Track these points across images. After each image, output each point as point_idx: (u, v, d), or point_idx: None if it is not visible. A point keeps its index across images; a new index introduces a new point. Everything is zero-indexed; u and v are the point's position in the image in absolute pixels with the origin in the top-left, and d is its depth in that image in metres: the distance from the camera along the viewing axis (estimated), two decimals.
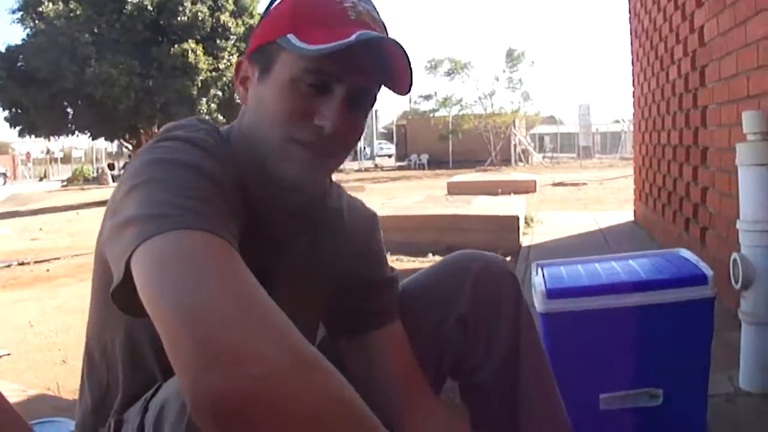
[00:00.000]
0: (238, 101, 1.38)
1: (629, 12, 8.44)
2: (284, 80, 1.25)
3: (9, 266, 8.35)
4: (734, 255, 2.80)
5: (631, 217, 8.65)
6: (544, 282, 2.25)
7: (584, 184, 18.46)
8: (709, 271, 2.23)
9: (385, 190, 19.64)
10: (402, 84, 1.30)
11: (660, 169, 6.50)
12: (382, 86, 1.34)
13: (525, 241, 7.44)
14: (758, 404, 2.76)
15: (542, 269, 2.42)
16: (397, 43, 1.22)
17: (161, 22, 21.74)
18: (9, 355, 4.39)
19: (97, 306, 1.43)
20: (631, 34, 8.39)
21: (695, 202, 4.96)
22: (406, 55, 1.24)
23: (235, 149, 1.34)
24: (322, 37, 1.20)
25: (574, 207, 12.21)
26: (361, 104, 1.31)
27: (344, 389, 0.92)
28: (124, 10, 21.01)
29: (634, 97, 8.33)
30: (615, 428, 2.29)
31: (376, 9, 1.34)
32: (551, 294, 2.18)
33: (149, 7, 21.07)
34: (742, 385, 2.88)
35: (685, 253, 2.49)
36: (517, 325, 1.62)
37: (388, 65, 1.28)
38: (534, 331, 1.67)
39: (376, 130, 35.84)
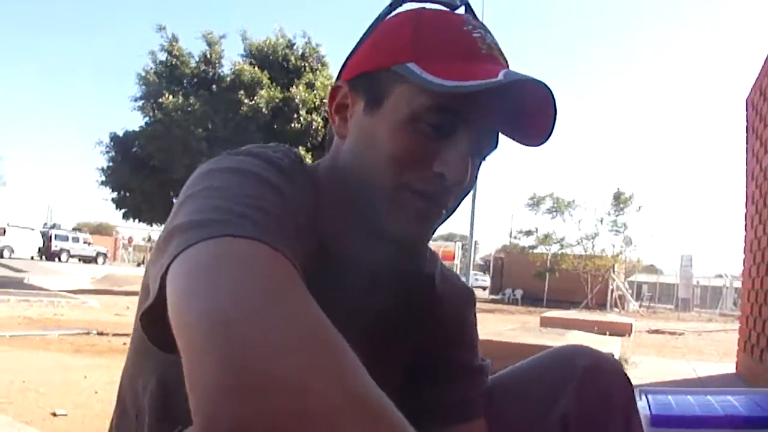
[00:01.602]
0: None
1: (746, 153, 8.18)
2: (402, 116, 1.04)
3: (88, 333, 8.92)
4: None
5: (733, 370, 8.15)
6: (649, 407, 1.97)
7: (682, 333, 17.78)
8: None
9: (478, 320, 19.27)
10: (538, 133, 1.09)
11: None
12: (515, 139, 1.12)
13: (641, 386, 6.96)
14: None
15: (646, 395, 2.13)
16: (546, 86, 1.00)
17: (275, 126, 22.19)
18: (66, 415, 4.39)
19: (134, 348, 1.23)
20: (747, 176, 8.11)
21: None
22: (553, 99, 1.02)
23: (322, 186, 1.14)
24: (454, 72, 1.00)
25: (671, 355, 11.64)
26: (483, 151, 1.11)
27: None
28: (240, 111, 21.66)
29: (745, 242, 7.99)
30: None
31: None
32: (656, 421, 1.89)
33: (264, 110, 21.65)
34: None
35: None
36: None
37: (523, 108, 1.06)
38: None
39: (473, 260, 35.68)
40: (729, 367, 8.49)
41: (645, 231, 39.04)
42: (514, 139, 1.12)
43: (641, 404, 2.01)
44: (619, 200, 35.43)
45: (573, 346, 1.42)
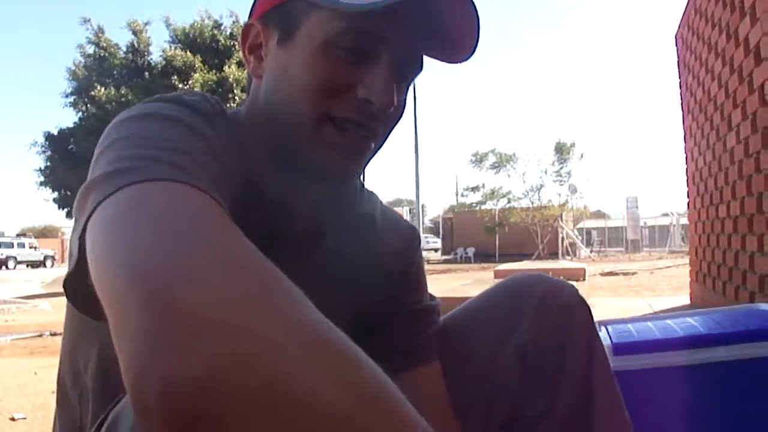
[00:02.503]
0: None
1: (680, 88, 8.28)
2: (317, 44, 0.98)
3: (41, 336, 8.88)
4: None
5: (687, 301, 8.27)
6: (609, 337, 1.97)
7: (634, 273, 18.02)
8: None
9: (432, 281, 19.04)
10: (462, 48, 1.02)
11: (719, 244, 6.20)
12: (439, 58, 1.06)
13: (601, 319, 7.02)
14: None
15: (606, 327, 2.13)
16: None
17: None
18: (25, 419, 4.32)
19: (68, 327, 1.16)
20: (682, 110, 8.20)
21: (762, 273, 4.63)
22: (475, 9, 0.97)
23: (244, 129, 1.08)
24: None
25: (626, 294, 11.77)
26: (407, 74, 1.05)
27: (379, 381, 0.61)
28: None
29: (687, 174, 8.10)
30: None
31: None
32: (618, 349, 1.90)
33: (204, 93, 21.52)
34: None
35: (766, 306, 2.19)
36: (590, 361, 1.27)
37: (445, 23, 1.00)
38: (609, 371, 1.32)
39: (423, 223, 35.81)
40: (683, 299, 8.60)
41: (589, 178, 39.40)
42: (436, 58, 1.06)
43: (602, 335, 2.01)
44: (562, 150, 35.63)
45: (527, 274, 1.37)
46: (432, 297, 1.39)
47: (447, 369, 1.31)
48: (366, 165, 1.10)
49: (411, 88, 1.10)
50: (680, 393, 1.90)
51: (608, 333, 2.02)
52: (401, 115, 1.08)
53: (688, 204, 8.38)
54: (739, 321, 2.03)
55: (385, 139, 1.09)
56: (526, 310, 1.28)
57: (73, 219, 0.82)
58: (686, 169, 8.16)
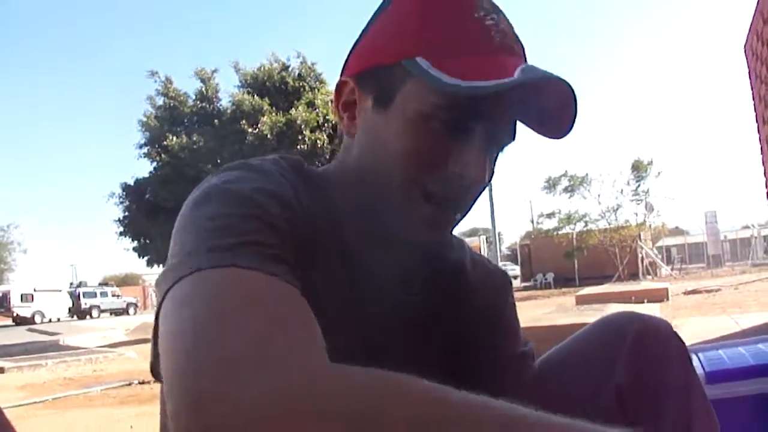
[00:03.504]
0: None
1: (753, 99, 8.11)
2: (413, 114, 1.00)
3: (130, 384, 9.06)
4: None
5: None
6: (702, 366, 1.94)
7: (718, 290, 17.66)
8: None
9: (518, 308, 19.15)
10: (558, 129, 1.05)
11: None
12: (531, 128, 1.08)
13: (691, 346, 6.90)
14: None
15: (698, 354, 2.10)
16: (566, 83, 0.97)
17: (281, 151, 22.05)
18: None
19: (161, 387, 1.21)
20: (757, 121, 8.03)
21: None
22: (574, 95, 0.98)
23: (333, 187, 1.11)
24: (466, 69, 0.96)
25: (711, 312, 11.55)
26: (501, 145, 1.07)
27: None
28: (246, 140, 21.55)
29: (766, 187, 7.90)
30: None
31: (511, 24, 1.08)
32: (711, 378, 1.87)
33: (269, 136, 21.53)
34: None
35: None
36: (688, 399, 1.26)
37: (544, 105, 1.02)
38: (708, 407, 1.31)
39: (500, 251, 35.58)
40: None
41: (666, 195, 38.77)
42: (534, 131, 1.08)
43: (696, 363, 1.99)
44: (638, 168, 35.17)
45: (621, 313, 1.36)
46: (526, 342, 1.38)
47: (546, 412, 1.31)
48: (452, 230, 1.12)
49: None
50: None
51: (700, 361, 2.00)
52: (491, 181, 1.10)
53: None
54: None
55: (472, 206, 1.10)
56: (623, 350, 1.27)
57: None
58: (766, 182, 7.98)
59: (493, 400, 0.70)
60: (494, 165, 1.09)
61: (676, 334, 1.31)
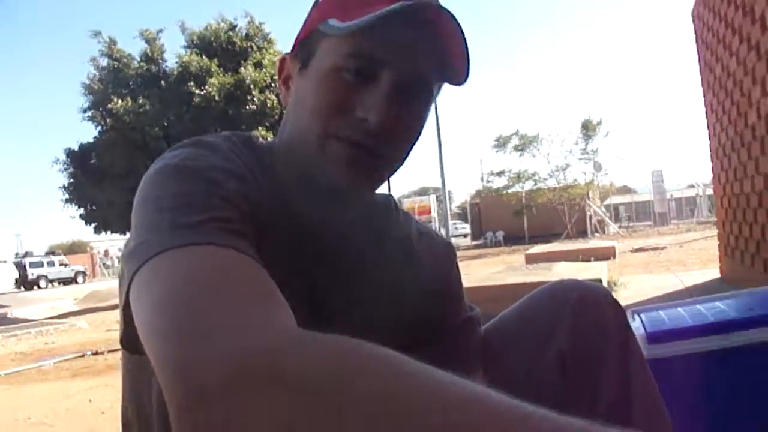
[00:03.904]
0: None
1: (699, 64, 8.27)
2: (325, 69, 1.07)
3: (83, 356, 8.92)
4: None
5: (718, 275, 8.30)
6: (644, 326, 2.03)
7: (664, 248, 17.98)
8: None
9: (463, 267, 19.05)
10: (457, 72, 1.09)
11: (746, 218, 6.22)
12: (442, 79, 1.13)
13: (632, 306, 7.06)
14: None
15: (639, 315, 2.20)
16: (449, 14, 1.02)
17: (230, 112, 21.67)
18: None
19: (127, 364, 1.26)
20: (703, 86, 8.19)
21: None
22: (462, 32, 1.03)
23: (279, 158, 1.17)
24: (363, 15, 1.01)
25: (657, 270, 11.78)
26: (415, 97, 1.11)
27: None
28: (193, 102, 21.20)
29: (710, 150, 8.10)
30: None
31: None
32: (652, 338, 1.96)
33: (217, 98, 21.23)
34: None
35: None
36: (627, 363, 1.33)
37: (444, 49, 1.06)
38: (647, 371, 1.40)
39: (450, 210, 35.73)
40: (714, 273, 8.65)
41: (614, 155, 39.16)
42: (438, 80, 1.13)
43: (635, 324, 2.06)
44: (588, 128, 35.43)
45: (562, 281, 1.42)
46: (471, 308, 1.44)
47: (491, 377, 1.36)
48: (380, 182, 1.17)
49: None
50: (714, 378, 1.97)
51: (641, 321, 2.08)
52: (416, 135, 1.15)
53: (712, 179, 8.38)
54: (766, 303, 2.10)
55: (403, 157, 1.15)
56: (564, 317, 1.33)
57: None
58: (709, 145, 8.16)
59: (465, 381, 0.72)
60: (418, 116, 1.14)
61: (614, 300, 1.38)
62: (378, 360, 0.69)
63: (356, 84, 1.06)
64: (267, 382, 0.65)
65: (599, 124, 35.21)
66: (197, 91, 21.13)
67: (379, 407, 0.63)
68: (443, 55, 1.07)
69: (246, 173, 1.06)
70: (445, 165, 21.06)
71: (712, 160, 8.12)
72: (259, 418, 0.63)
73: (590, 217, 35.09)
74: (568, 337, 1.33)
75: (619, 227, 38.21)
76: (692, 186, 45.26)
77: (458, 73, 1.09)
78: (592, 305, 1.35)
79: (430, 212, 37.11)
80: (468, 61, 1.07)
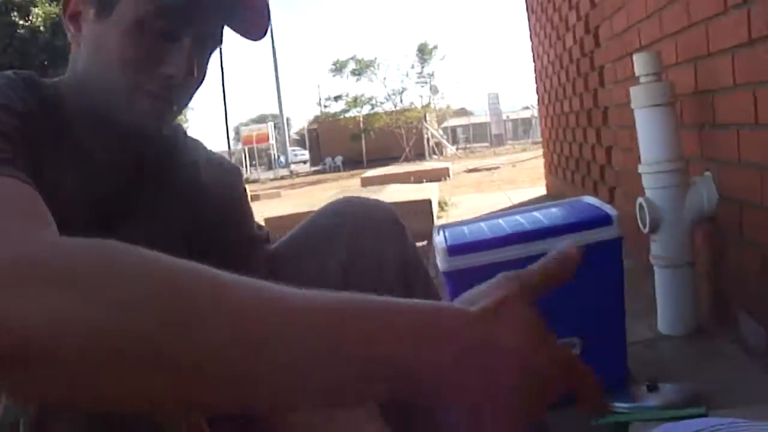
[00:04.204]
0: None
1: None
2: (130, 22, 1.11)
3: None
4: (639, 199, 2.75)
5: (544, 192, 8.68)
6: (446, 240, 2.16)
7: (497, 168, 18.58)
8: (613, 212, 2.20)
9: (302, 194, 19.26)
10: (257, 28, 1.20)
11: (566, 137, 6.54)
12: (242, 35, 1.22)
13: (439, 224, 7.29)
14: (678, 346, 2.73)
15: (444, 230, 2.33)
16: None
17: (56, 44, 20.89)
18: None
19: None
20: (527, 10, 8.44)
21: (601, 164, 4.97)
22: None
23: (66, 97, 1.21)
24: None
25: (488, 189, 12.21)
26: (208, 48, 1.20)
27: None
28: (17, 33, 20.27)
29: (535, 72, 8.38)
30: None
31: None
32: (452, 251, 2.09)
33: (42, 29, 20.34)
34: (661, 329, 2.84)
35: (589, 199, 2.44)
36: (405, 274, 1.47)
37: (244, 7, 1.17)
38: (429, 280, 1.54)
39: (289, 137, 35.59)
40: (541, 190, 9.02)
41: (451, 78, 39.77)
42: (241, 35, 1.22)
43: (439, 239, 2.19)
44: (424, 52, 35.81)
45: (344, 198, 1.56)
46: (260, 227, 1.53)
47: None
48: (170, 123, 1.28)
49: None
50: None
51: (445, 236, 2.21)
52: (204, 79, 1.24)
53: (538, 100, 8.71)
54: (561, 215, 2.27)
55: (189, 101, 1.25)
56: (343, 233, 1.45)
57: None
58: (534, 67, 8.45)
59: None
60: (206, 65, 1.23)
61: (394, 215, 1.51)
62: (147, 255, 0.70)
63: (161, 40, 1.12)
64: (37, 283, 0.64)
65: (435, 48, 35.72)
66: (21, 22, 20.16)
67: (151, 292, 0.65)
68: (244, 13, 1.17)
69: (22, 108, 1.09)
70: (282, 91, 21.09)
71: (536, 82, 8.42)
72: (34, 317, 0.62)
73: (428, 140, 35.70)
74: (349, 251, 1.44)
75: (457, 149, 39.10)
76: (527, 108, 46.56)
77: (258, 31, 1.20)
78: (372, 220, 1.47)
79: (268, 140, 36.98)
80: (268, 18, 1.17)
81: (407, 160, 32.23)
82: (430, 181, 12.49)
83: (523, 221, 2.26)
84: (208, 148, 1.51)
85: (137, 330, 0.61)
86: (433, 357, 0.65)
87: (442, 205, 8.52)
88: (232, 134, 41.09)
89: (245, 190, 1.55)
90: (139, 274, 0.66)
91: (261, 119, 53.81)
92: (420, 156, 33.82)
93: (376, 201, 1.56)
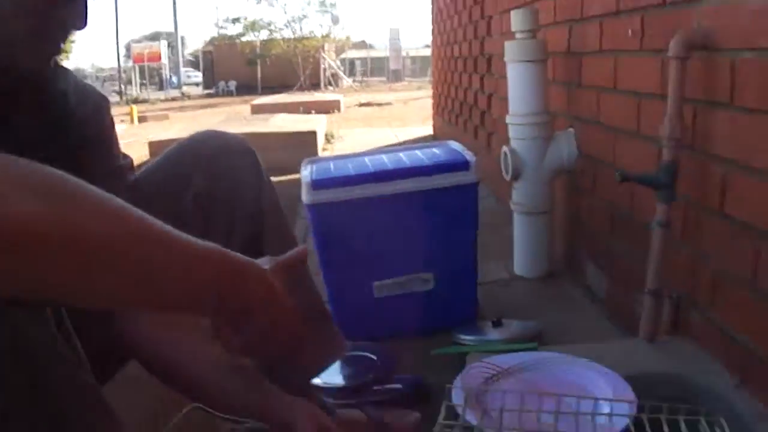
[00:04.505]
0: None
1: None
2: None
3: None
4: (504, 148, 2.90)
5: (431, 132, 8.82)
6: (311, 175, 2.26)
7: (389, 104, 18.67)
8: (472, 158, 2.32)
9: (191, 117, 18.87)
10: None
11: (453, 81, 6.65)
12: None
13: (308, 159, 7.32)
14: (530, 287, 2.94)
15: (311, 165, 2.42)
16: None
17: None
18: None
19: None
20: None
21: (483, 110, 5.11)
22: None
23: None
24: None
25: (377, 125, 12.30)
26: None
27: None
28: None
29: (432, 13, 8.44)
30: (391, 315, 2.36)
31: None
32: (316, 185, 2.19)
33: None
34: (516, 271, 3.04)
35: (454, 144, 2.57)
36: (259, 204, 1.60)
37: None
38: (279, 211, 1.67)
39: (183, 57, 34.81)
40: (428, 129, 9.18)
41: (353, 8, 39.44)
42: None
43: (306, 172, 2.28)
44: None
45: (205, 131, 1.67)
46: (125, 156, 1.59)
47: None
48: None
49: None
50: (372, 221, 2.25)
51: (311, 171, 2.30)
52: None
53: (432, 41, 8.78)
54: (424, 158, 2.38)
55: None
56: (201, 163, 1.57)
57: None
58: (431, 8, 8.49)
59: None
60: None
61: (249, 149, 1.64)
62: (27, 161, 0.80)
63: None
64: None
65: None
66: None
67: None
68: None
69: None
70: (178, 9, 20.46)
71: (432, 24, 8.48)
72: None
73: (324, 70, 35.44)
74: (205, 182, 1.56)
75: (353, 81, 38.93)
76: (428, 46, 46.63)
77: None
78: (227, 153, 1.59)
79: (160, 59, 36.10)
80: None
81: (302, 89, 31.93)
82: (320, 113, 12.52)
83: (386, 161, 2.37)
84: (77, 76, 1.54)
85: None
86: (236, 289, 0.89)
87: (328, 138, 8.59)
88: (122, 51, 39.92)
89: (112, 119, 1.59)
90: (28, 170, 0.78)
91: (154, 37, 52.16)
92: (315, 86, 33.57)
93: (234, 135, 1.68)
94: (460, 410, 1.28)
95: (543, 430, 1.20)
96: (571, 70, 2.88)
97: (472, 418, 1.26)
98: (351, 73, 43.43)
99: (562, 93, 3.00)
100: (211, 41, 44.39)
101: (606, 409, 1.28)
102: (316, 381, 1.77)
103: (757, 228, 1.59)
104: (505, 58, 2.93)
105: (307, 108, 13.08)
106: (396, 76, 39.38)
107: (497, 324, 2.22)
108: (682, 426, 1.19)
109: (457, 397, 1.34)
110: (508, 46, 2.90)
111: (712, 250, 1.82)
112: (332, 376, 1.89)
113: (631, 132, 2.28)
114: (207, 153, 1.58)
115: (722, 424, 1.17)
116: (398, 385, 1.85)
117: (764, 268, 1.57)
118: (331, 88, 33.93)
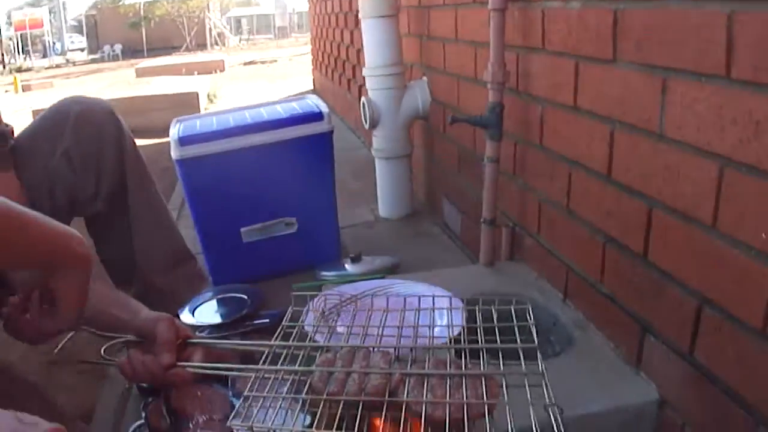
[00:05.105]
0: None
1: None
2: None
3: None
4: (363, 99, 3.10)
5: (311, 86, 8.96)
6: (179, 132, 2.41)
7: (274, 61, 18.65)
8: (326, 109, 2.51)
9: (77, 84, 18.50)
10: None
11: (328, 36, 6.78)
12: None
13: (177, 118, 7.41)
14: (393, 227, 3.17)
15: (180, 123, 2.57)
16: None
17: None
18: None
19: None
20: None
21: (353, 64, 5.28)
22: None
23: None
24: None
25: (261, 82, 12.35)
26: None
27: None
28: None
29: None
30: (260, 258, 2.56)
31: None
32: (183, 141, 2.34)
33: None
34: (381, 213, 3.27)
35: (311, 97, 2.75)
36: (122, 159, 1.85)
37: None
38: (141, 165, 1.92)
39: (65, 23, 33.84)
40: (309, 84, 9.31)
41: None
42: None
43: (173, 131, 2.38)
44: None
45: (71, 97, 1.88)
46: (6, 125, 1.78)
47: (19, 176, 1.77)
48: None
49: None
50: (236, 172, 2.41)
51: (179, 128, 2.45)
52: None
53: None
54: (282, 112, 2.56)
55: None
56: (68, 125, 1.80)
57: None
58: None
59: None
60: None
61: (111, 112, 1.89)
62: None
63: None
64: None
65: None
66: None
67: None
68: None
69: None
70: None
71: None
72: None
73: (210, 30, 34.97)
74: (72, 141, 1.80)
75: (240, 40, 38.52)
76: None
77: None
78: (91, 114, 1.83)
79: (42, 25, 35.01)
80: None
81: (188, 50, 31.53)
82: (203, 73, 12.52)
83: (247, 116, 2.54)
84: None
85: None
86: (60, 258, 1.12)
87: (210, 98, 8.66)
88: (3, 19, 38.56)
89: None
90: None
91: (35, 3, 50.39)
92: (202, 46, 33.16)
93: (97, 99, 1.91)
94: (310, 331, 1.41)
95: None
96: (421, 23, 3.08)
97: (320, 338, 1.40)
98: (237, 31, 42.90)
99: (416, 45, 3.21)
100: (94, 5, 43.18)
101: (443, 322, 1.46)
102: (197, 319, 2.01)
103: (568, 157, 1.82)
104: (360, 15, 3.12)
105: (189, 69, 13.01)
106: (282, 33, 39.18)
107: (356, 260, 2.44)
108: (494, 315, 1.36)
109: (308, 321, 1.46)
110: (362, 3, 3.08)
111: (536, 180, 2.05)
112: (210, 315, 2.11)
113: (470, 78, 2.50)
114: (74, 116, 1.80)
115: (528, 309, 1.36)
116: (266, 320, 2.06)
117: (575, 193, 1.81)
118: (217, 47, 33.53)
